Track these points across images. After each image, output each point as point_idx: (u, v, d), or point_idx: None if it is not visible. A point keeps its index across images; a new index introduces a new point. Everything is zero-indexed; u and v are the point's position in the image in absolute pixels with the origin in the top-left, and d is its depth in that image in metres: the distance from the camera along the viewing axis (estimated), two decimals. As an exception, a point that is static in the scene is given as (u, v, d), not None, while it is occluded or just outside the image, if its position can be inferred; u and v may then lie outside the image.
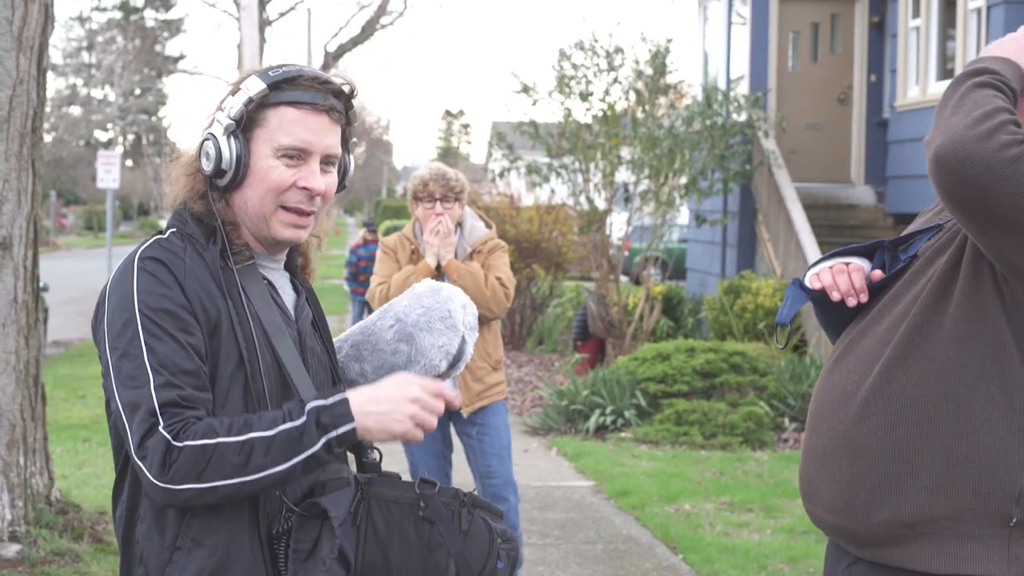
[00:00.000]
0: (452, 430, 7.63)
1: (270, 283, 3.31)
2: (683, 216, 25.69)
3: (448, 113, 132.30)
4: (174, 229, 3.24)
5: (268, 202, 3.22)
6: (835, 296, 3.51)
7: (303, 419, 3.00)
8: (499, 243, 7.55)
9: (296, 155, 3.22)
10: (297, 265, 3.46)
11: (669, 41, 19.11)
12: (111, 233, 30.60)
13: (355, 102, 3.35)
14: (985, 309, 3.29)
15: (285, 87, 3.21)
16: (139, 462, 2.98)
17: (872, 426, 3.34)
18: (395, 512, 3.13)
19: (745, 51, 21.32)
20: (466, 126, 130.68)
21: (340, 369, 3.53)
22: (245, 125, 3.22)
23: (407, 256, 7.47)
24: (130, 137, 79.99)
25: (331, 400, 3.04)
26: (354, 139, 3.41)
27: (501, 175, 20.96)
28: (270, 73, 3.22)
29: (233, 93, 3.24)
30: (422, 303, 3.54)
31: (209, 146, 3.21)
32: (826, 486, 3.44)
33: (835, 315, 3.62)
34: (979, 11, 16.61)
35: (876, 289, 3.54)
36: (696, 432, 13.40)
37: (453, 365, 3.53)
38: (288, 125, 3.20)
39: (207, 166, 3.22)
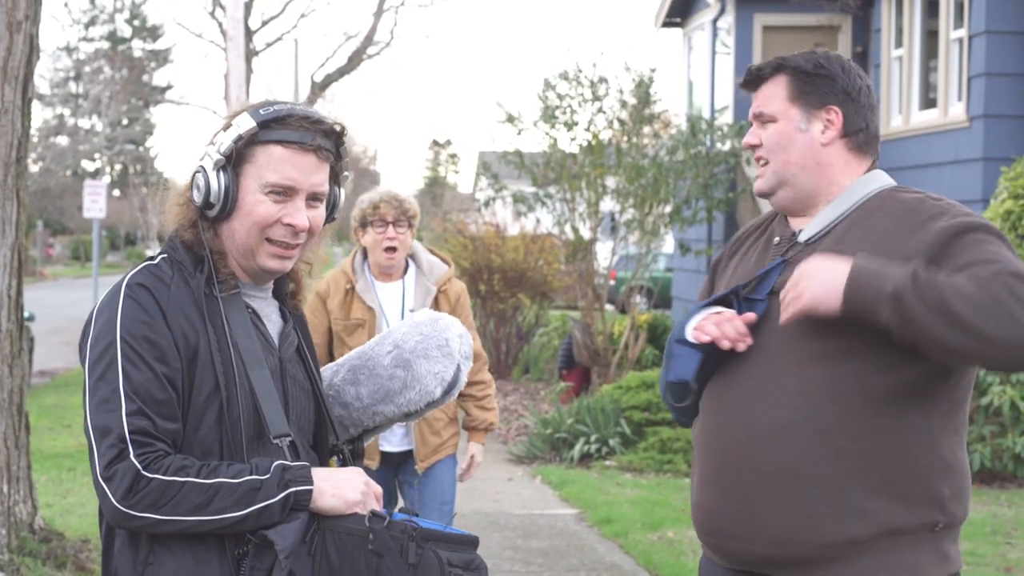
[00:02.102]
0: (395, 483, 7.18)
1: (254, 312, 3.42)
2: (668, 245, 25.73)
3: (435, 143, 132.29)
4: (165, 255, 3.37)
5: (254, 235, 3.34)
6: (725, 345, 3.63)
7: (268, 475, 3.17)
8: (462, 286, 7.08)
9: (282, 192, 3.33)
10: (287, 292, 3.56)
11: (653, 71, 19.17)
12: (97, 263, 30.59)
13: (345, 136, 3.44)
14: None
15: (275, 126, 3.32)
16: (103, 483, 3.13)
17: (815, 456, 3.52)
18: (347, 543, 3.22)
19: (729, 80, 21.42)
20: (453, 156, 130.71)
21: (336, 392, 3.66)
22: (235, 160, 3.33)
23: (340, 299, 6.86)
24: (117, 167, 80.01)
25: (296, 464, 3.23)
26: (346, 173, 3.50)
27: (487, 204, 21.00)
28: (261, 111, 3.32)
29: (225, 129, 3.35)
30: (420, 331, 3.66)
31: (199, 179, 3.33)
32: (763, 519, 3.59)
33: (710, 365, 3.73)
34: (961, 41, 16.72)
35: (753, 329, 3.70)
36: (680, 460, 13.43)
37: (447, 392, 3.64)
38: (275, 163, 3.32)
39: (197, 197, 3.33)
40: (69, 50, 77.13)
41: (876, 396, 3.48)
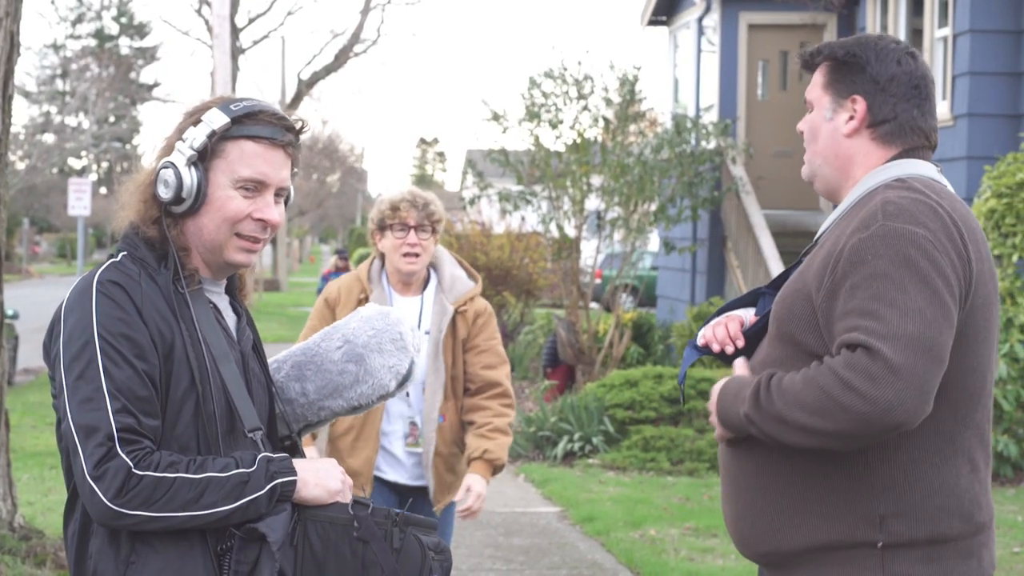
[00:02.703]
0: None
1: (215, 307, 3.43)
2: (654, 243, 25.75)
3: (423, 141, 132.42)
4: (126, 253, 3.35)
5: (224, 230, 3.35)
6: (715, 348, 3.70)
7: (254, 467, 3.19)
8: (488, 308, 6.18)
9: (253, 187, 3.35)
10: (236, 287, 3.58)
11: (638, 69, 19.18)
12: (82, 261, 30.54)
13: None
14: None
15: (246, 121, 3.35)
16: (92, 483, 3.11)
17: (751, 468, 3.55)
18: (330, 532, 3.26)
19: (714, 79, 21.43)
20: (441, 154, 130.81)
21: (279, 389, 3.66)
22: (204, 156, 3.33)
23: (351, 309, 5.84)
24: (104, 165, 79.89)
25: (278, 455, 3.27)
26: (296, 169, 3.51)
27: (472, 203, 20.99)
28: (232, 107, 3.35)
29: (194, 124, 3.35)
30: (372, 325, 3.67)
31: (169, 174, 3.32)
32: (729, 521, 3.69)
33: (731, 359, 3.76)
34: (945, 40, 16.74)
35: (756, 330, 3.69)
36: (663, 458, 13.44)
37: (401, 385, 3.67)
38: (248, 158, 3.34)
39: (166, 193, 3.32)
40: (56, 47, 77.02)
41: None
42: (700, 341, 3.78)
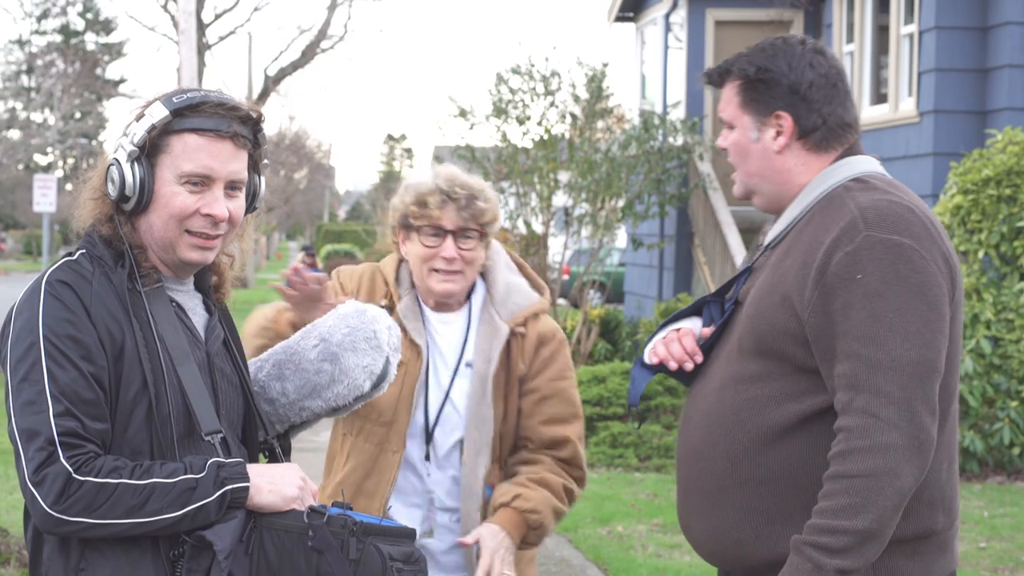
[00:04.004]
0: None
1: (179, 305, 3.32)
2: (621, 239, 25.78)
3: (390, 137, 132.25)
4: (84, 251, 3.26)
5: (172, 227, 3.24)
6: (672, 366, 3.63)
7: (203, 473, 3.09)
8: (559, 333, 4.38)
9: (200, 181, 3.23)
10: (210, 285, 3.46)
11: (605, 65, 19.19)
12: (47, 258, 30.42)
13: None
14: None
15: (188, 114, 3.22)
16: (32, 488, 3.03)
17: (725, 481, 3.48)
18: (286, 540, 3.15)
19: (682, 75, 21.45)
20: (408, 150, 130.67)
21: (261, 388, 3.56)
22: (149, 151, 3.23)
23: None
24: (70, 161, 79.58)
25: (230, 460, 3.16)
26: (265, 161, 3.41)
27: (439, 199, 20.94)
28: (174, 99, 3.22)
29: (138, 119, 3.25)
30: (347, 323, 3.57)
31: (113, 171, 3.23)
32: (696, 533, 3.63)
33: (689, 376, 3.70)
34: (911, 36, 16.78)
35: (712, 343, 3.64)
36: (631, 455, 13.44)
37: (377, 385, 3.56)
38: (191, 152, 3.22)
39: (112, 191, 3.24)
40: (21, 43, 76.71)
41: (786, 423, 3.39)
42: (652, 359, 3.68)
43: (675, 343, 3.64)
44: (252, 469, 3.18)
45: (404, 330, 4.22)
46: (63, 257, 3.27)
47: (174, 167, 3.22)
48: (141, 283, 3.23)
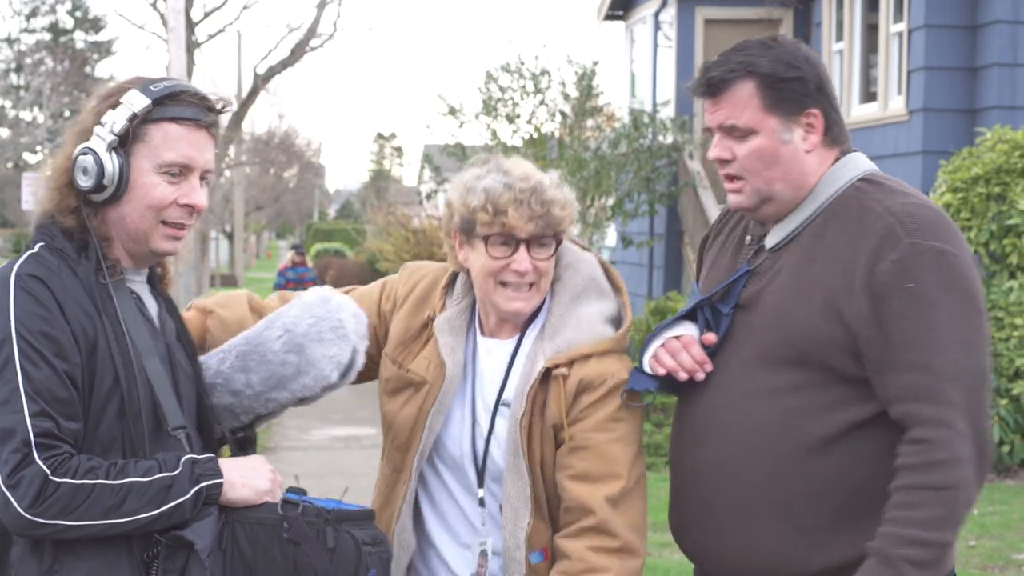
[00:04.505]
0: None
1: (138, 297, 3.27)
2: (611, 238, 25.80)
3: (380, 136, 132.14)
4: (43, 244, 3.19)
5: (148, 218, 3.20)
6: (682, 376, 3.46)
7: (178, 470, 3.06)
8: (613, 378, 3.57)
9: (178, 171, 3.19)
10: (158, 275, 3.41)
11: (595, 64, 19.21)
12: (37, 256, 30.33)
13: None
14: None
15: (168, 103, 3.18)
16: (7, 491, 2.97)
17: (763, 496, 3.39)
18: (260, 534, 3.12)
19: (671, 74, 21.43)
20: (398, 149, 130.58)
21: (225, 380, 3.50)
22: (124, 140, 3.17)
23: (419, 326, 3.75)
24: (59, 160, 79.29)
25: (203, 456, 3.13)
26: (216, 151, 3.38)
27: (429, 197, 20.99)
28: (152, 88, 3.18)
29: (113, 107, 3.19)
30: (312, 313, 3.52)
31: (88, 161, 3.15)
32: (717, 551, 3.51)
33: (680, 385, 3.56)
34: (901, 35, 16.78)
35: (715, 351, 3.51)
36: (621, 453, 13.42)
37: (344, 375, 3.53)
38: (172, 141, 3.18)
39: (85, 181, 3.16)
40: (10, 41, 76.50)
41: (829, 433, 3.32)
42: (656, 369, 3.50)
43: (683, 353, 3.48)
44: (224, 464, 3.16)
45: (436, 348, 3.67)
46: (25, 249, 3.20)
47: (153, 156, 3.17)
48: (105, 275, 3.16)
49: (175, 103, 3.19)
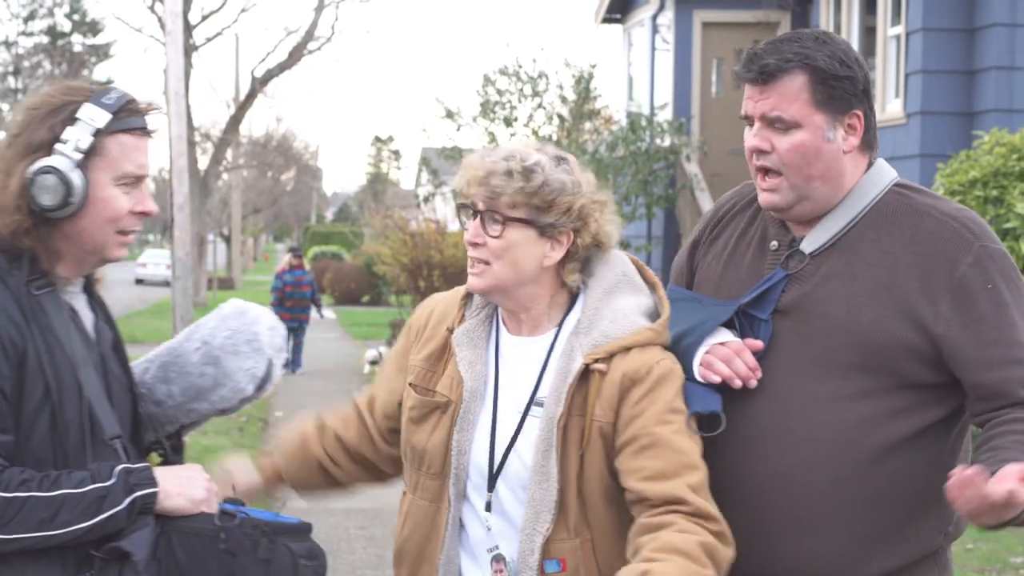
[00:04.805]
0: None
1: (72, 308, 3.23)
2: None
3: (378, 139, 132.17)
4: None
5: (108, 231, 3.17)
6: (737, 384, 3.33)
7: (112, 480, 3.01)
8: (662, 368, 3.32)
9: (133, 181, 3.17)
10: (92, 283, 3.36)
11: (593, 67, 19.26)
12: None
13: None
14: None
15: (121, 114, 3.15)
16: None
17: (825, 505, 3.33)
18: (196, 544, 3.09)
19: (669, 77, 21.45)
20: (396, 152, 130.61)
21: (148, 390, 3.46)
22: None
23: (433, 347, 3.54)
24: (56, 162, 79.36)
25: (137, 465, 3.08)
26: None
27: (426, 200, 20.98)
28: (106, 100, 3.14)
29: (68, 122, 3.13)
30: (228, 325, 3.50)
31: (51, 180, 3.08)
32: (769, 563, 3.38)
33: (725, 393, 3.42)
34: (898, 38, 16.80)
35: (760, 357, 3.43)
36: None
37: (260, 388, 3.51)
38: (128, 152, 3.16)
39: (49, 200, 3.08)
40: (8, 45, 76.50)
41: (894, 440, 3.29)
42: (714, 378, 3.34)
43: (736, 359, 3.35)
44: (159, 473, 3.11)
45: (454, 363, 3.45)
46: None
47: (112, 169, 3.14)
48: (36, 286, 3.11)
49: (127, 114, 3.16)
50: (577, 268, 3.42)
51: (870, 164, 3.44)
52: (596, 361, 3.31)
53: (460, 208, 3.45)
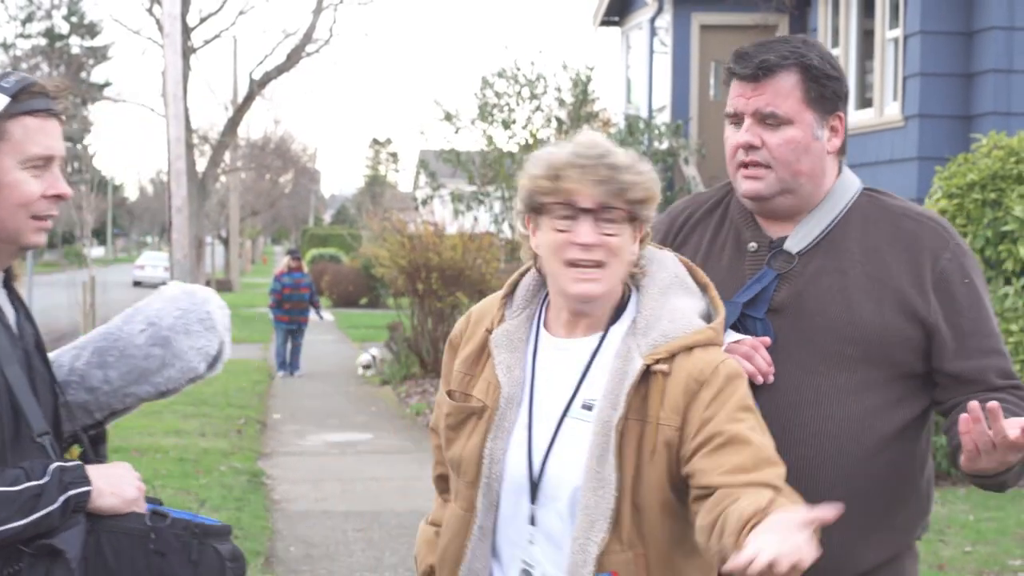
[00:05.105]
0: None
1: None
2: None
3: (375, 141, 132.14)
4: None
5: (20, 216, 3.13)
6: (759, 380, 3.35)
7: (47, 478, 2.99)
8: (724, 367, 3.12)
9: (42, 164, 3.13)
10: (12, 279, 3.33)
11: (591, 69, 19.26)
12: (32, 261, 30.36)
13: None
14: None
15: (22, 96, 3.11)
16: None
17: (833, 497, 3.19)
18: (125, 544, 3.08)
19: (667, 79, 21.47)
20: (394, 154, 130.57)
21: (80, 377, 3.42)
22: None
23: (470, 351, 3.38)
24: (54, 165, 79.35)
25: (71, 463, 3.05)
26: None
27: (424, 203, 20.98)
28: (3, 84, 3.11)
29: None
30: (177, 306, 3.48)
31: None
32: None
33: None
34: (896, 41, 16.81)
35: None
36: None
37: (211, 366, 3.50)
38: (33, 134, 3.11)
39: None
40: (6, 47, 76.52)
41: (891, 431, 3.42)
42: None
43: (756, 356, 3.38)
44: (92, 471, 3.09)
45: (491, 367, 3.29)
46: None
47: (17, 153, 3.09)
48: None
49: (28, 96, 3.11)
50: (639, 265, 3.25)
51: (841, 168, 3.56)
52: (657, 362, 3.12)
53: (539, 209, 3.18)
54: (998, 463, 3.11)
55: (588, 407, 3.15)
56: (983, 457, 3.10)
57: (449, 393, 3.37)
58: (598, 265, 3.12)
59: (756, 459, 3.00)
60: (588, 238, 3.10)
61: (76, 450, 3.36)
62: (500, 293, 3.39)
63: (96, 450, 3.41)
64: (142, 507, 3.13)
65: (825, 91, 3.42)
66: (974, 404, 3.06)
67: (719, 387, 3.09)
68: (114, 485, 3.10)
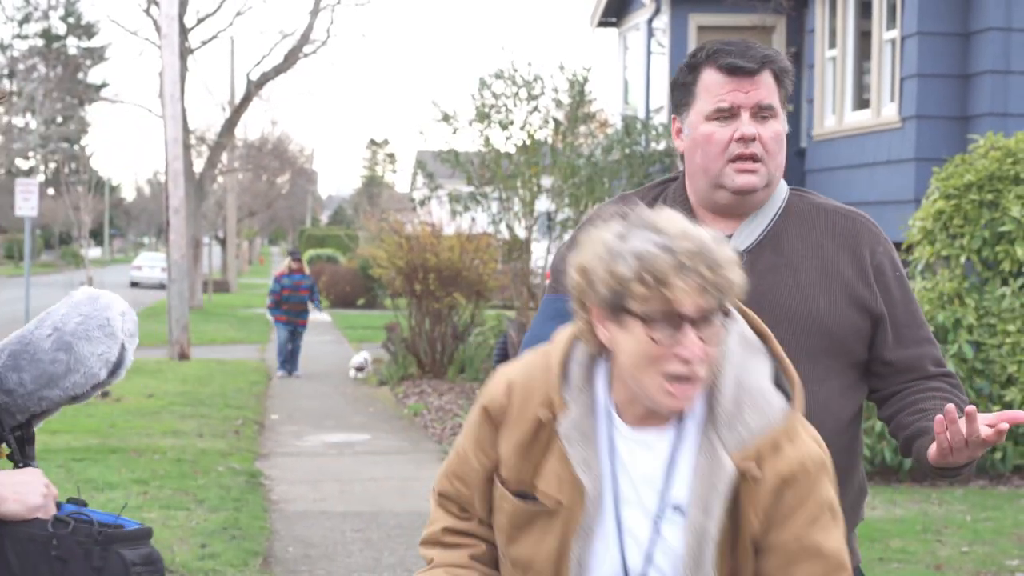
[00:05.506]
0: None
1: None
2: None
3: (373, 142, 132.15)
4: None
5: None
6: None
7: None
8: (809, 461, 2.88)
9: None
10: None
11: (588, 70, 19.23)
12: (29, 262, 30.34)
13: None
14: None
15: None
16: None
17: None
18: (30, 549, 3.09)
19: (664, 80, 21.46)
20: (391, 155, 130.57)
21: None
22: None
23: (522, 436, 2.98)
24: (51, 165, 79.38)
25: None
26: None
27: (422, 203, 20.98)
28: None
29: None
30: (80, 311, 3.46)
31: None
32: None
33: None
34: (894, 42, 16.81)
35: None
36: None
37: (113, 373, 3.48)
38: None
39: None
40: (3, 47, 76.50)
41: (846, 418, 3.53)
42: None
43: None
44: None
45: (566, 460, 2.92)
46: None
47: None
48: None
49: None
50: None
51: None
52: (746, 462, 2.84)
53: (648, 316, 2.76)
54: (967, 458, 3.31)
55: (679, 509, 2.89)
56: (955, 453, 3.28)
57: (504, 482, 3.03)
58: (695, 379, 2.80)
59: (825, 570, 2.87)
60: (693, 351, 2.76)
61: (5, 450, 3.35)
62: (549, 366, 3.00)
63: (23, 451, 3.39)
64: (49, 513, 3.12)
65: (787, 90, 3.55)
66: (951, 407, 3.22)
67: (804, 491, 2.88)
68: (18, 492, 3.09)
